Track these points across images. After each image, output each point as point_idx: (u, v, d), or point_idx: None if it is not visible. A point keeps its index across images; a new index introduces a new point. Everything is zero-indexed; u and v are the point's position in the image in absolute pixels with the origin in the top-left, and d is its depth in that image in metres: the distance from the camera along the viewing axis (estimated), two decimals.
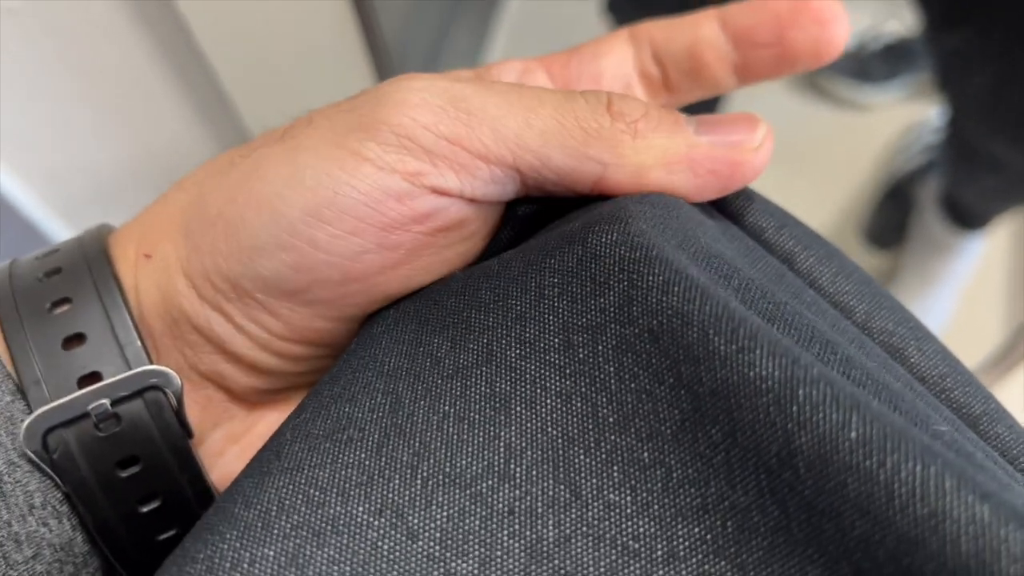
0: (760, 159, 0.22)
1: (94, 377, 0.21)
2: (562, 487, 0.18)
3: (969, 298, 1.16)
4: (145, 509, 0.21)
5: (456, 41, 1.44)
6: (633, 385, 0.18)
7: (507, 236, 0.24)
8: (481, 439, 0.18)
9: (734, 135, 0.22)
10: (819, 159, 1.32)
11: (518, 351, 0.19)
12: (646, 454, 0.17)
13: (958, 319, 1.15)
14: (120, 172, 0.72)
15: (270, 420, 0.25)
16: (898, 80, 1.32)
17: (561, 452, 0.18)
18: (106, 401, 0.21)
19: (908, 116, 1.31)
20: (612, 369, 0.18)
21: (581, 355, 0.19)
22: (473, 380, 0.19)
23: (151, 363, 0.21)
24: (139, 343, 0.21)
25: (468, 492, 0.18)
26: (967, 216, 1.06)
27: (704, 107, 1.11)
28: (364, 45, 0.65)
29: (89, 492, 0.21)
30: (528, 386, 0.19)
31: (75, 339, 0.21)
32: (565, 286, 0.19)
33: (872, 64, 1.33)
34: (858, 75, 1.33)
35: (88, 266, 0.22)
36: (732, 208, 0.23)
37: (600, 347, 0.18)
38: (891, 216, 1.21)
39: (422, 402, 0.19)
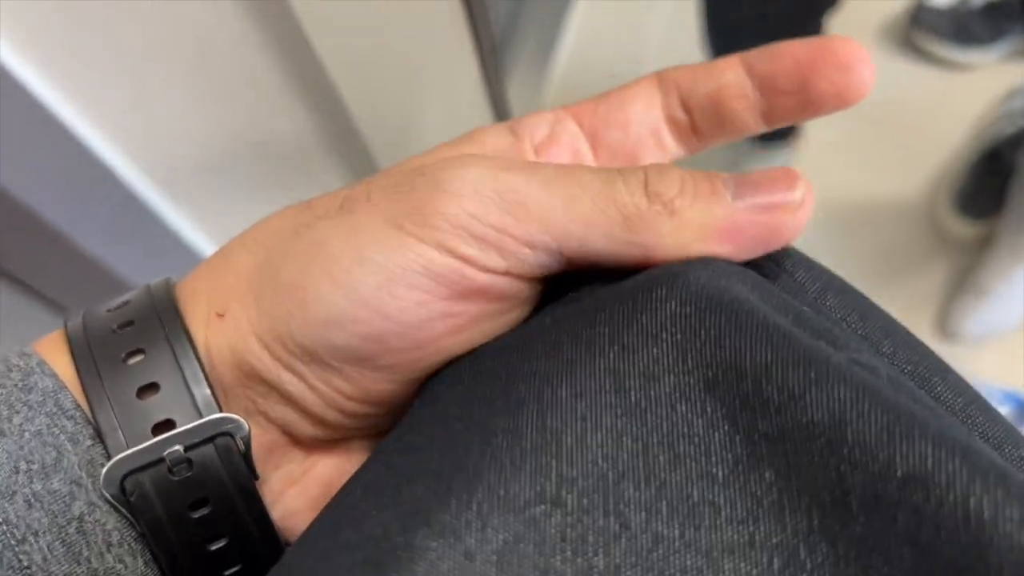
0: (800, 219, 0.22)
1: (167, 424, 0.22)
2: (611, 518, 0.18)
3: None
4: (214, 547, 0.23)
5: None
6: (686, 430, 0.19)
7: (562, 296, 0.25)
8: (533, 466, 0.19)
9: (774, 195, 0.22)
10: (914, 122, 1.28)
11: (568, 391, 0.20)
12: (696, 493, 0.18)
13: None
14: (221, 148, 0.75)
15: (327, 463, 0.26)
16: (1001, 41, 1.26)
17: (611, 485, 0.19)
18: (180, 447, 0.22)
19: (1010, 78, 1.25)
20: (665, 413, 0.19)
21: (634, 398, 0.20)
22: (524, 415, 0.20)
23: (220, 410, 0.23)
24: (208, 391, 0.23)
25: (521, 517, 0.18)
26: None
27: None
28: (470, 29, 0.66)
29: (163, 532, 0.22)
30: (579, 422, 0.19)
31: (149, 388, 0.22)
32: (615, 336, 0.20)
33: (973, 23, 1.27)
34: (958, 35, 1.27)
35: (160, 319, 0.23)
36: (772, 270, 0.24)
37: (654, 393, 0.20)
38: (987, 183, 1.17)
39: (476, 438, 0.20)
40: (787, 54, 0.24)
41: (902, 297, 1.18)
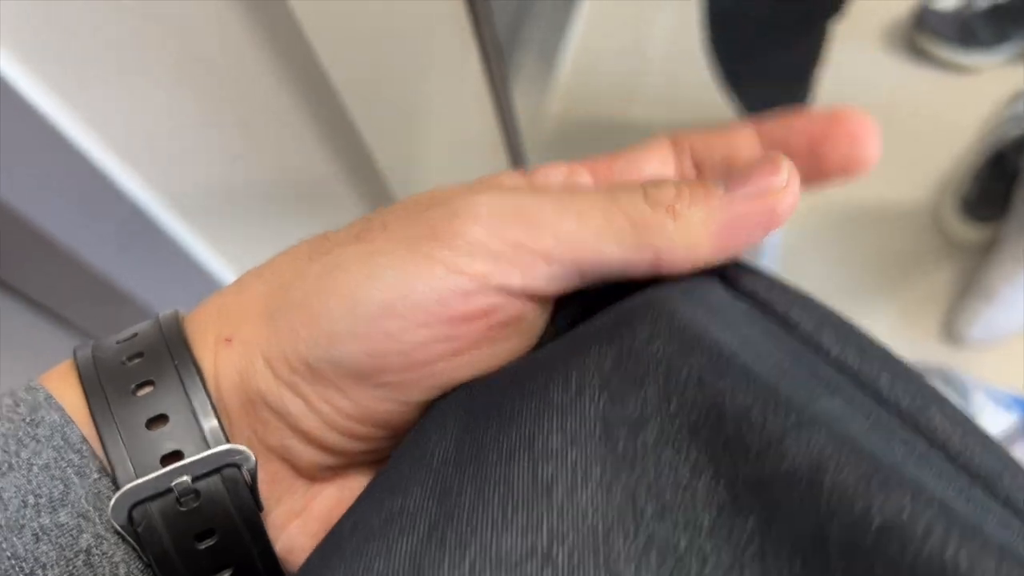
0: (791, 196, 0.23)
1: (175, 455, 0.23)
2: (602, 572, 0.18)
3: None
4: None
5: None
6: (672, 478, 0.19)
7: (559, 325, 0.25)
8: (525, 522, 0.19)
9: (762, 181, 0.23)
10: (918, 125, 1.28)
11: (560, 439, 0.20)
12: (683, 542, 0.18)
13: None
14: (231, 166, 0.76)
15: (328, 494, 0.26)
16: (1006, 44, 1.26)
17: (601, 538, 0.19)
18: (188, 478, 0.22)
19: (1014, 81, 1.25)
20: (652, 462, 0.19)
21: (621, 448, 0.20)
22: (516, 465, 0.20)
23: (227, 441, 0.23)
24: (216, 423, 0.23)
25: (514, 574, 0.18)
26: None
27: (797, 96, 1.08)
28: (474, 34, 0.66)
29: (170, 563, 0.22)
30: (570, 473, 0.20)
31: (158, 420, 0.23)
32: (605, 383, 0.21)
33: (977, 25, 1.27)
34: (962, 38, 1.27)
35: (169, 351, 0.24)
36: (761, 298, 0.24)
37: (640, 441, 0.20)
38: (992, 186, 1.16)
39: (468, 488, 0.20)
40: (801, 124, 0.25)
41: (908, 301, 1.18)
